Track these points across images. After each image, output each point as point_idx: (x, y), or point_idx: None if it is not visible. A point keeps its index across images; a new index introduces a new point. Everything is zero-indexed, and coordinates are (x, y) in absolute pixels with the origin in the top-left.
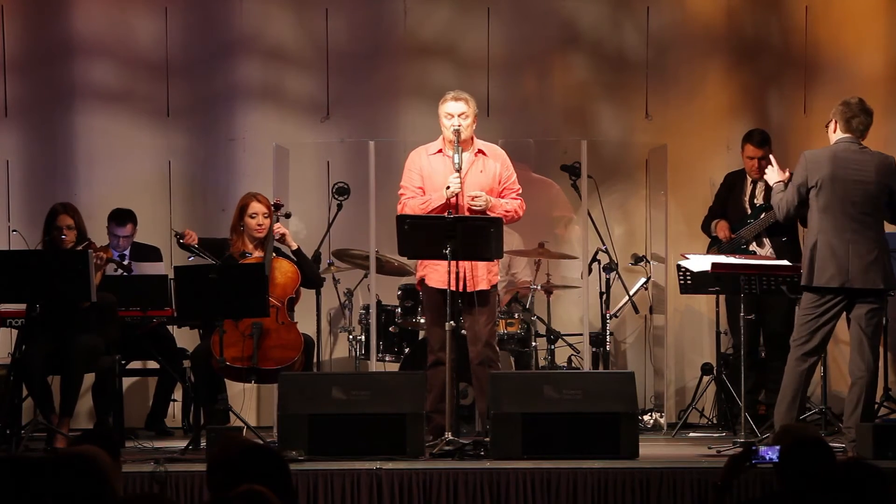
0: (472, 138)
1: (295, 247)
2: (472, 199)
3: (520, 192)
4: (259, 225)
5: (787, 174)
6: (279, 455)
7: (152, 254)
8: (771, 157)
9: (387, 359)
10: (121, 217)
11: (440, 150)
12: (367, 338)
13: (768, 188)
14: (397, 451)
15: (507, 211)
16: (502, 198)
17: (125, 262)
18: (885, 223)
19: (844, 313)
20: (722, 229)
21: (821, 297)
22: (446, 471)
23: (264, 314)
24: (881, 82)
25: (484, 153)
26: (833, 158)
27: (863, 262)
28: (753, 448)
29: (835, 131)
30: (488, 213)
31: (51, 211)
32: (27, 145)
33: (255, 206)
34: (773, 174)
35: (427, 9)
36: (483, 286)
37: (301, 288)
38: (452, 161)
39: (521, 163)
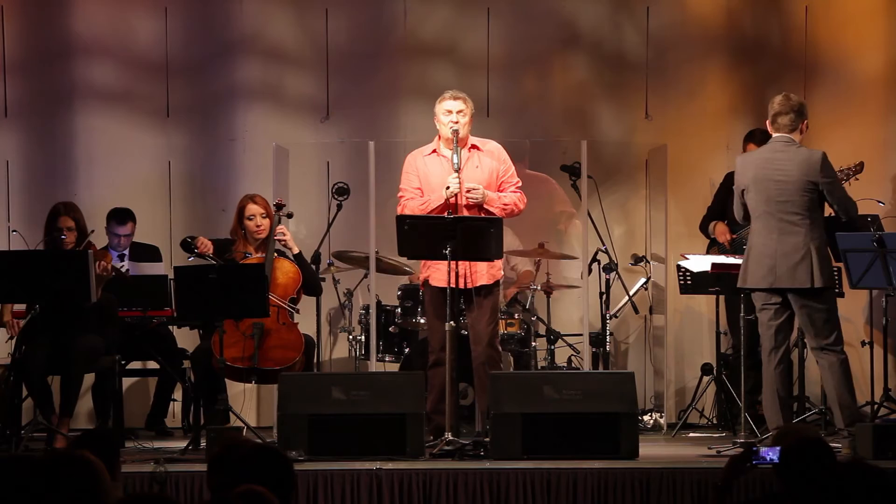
0: (467, 137)
1: (296, 251)
2: (469, 192)
3: (519, 184)
4: (258, 226)
5: None
6: (283, 455)
7: (151, 253)
8: None
9: (387, 359)
10: (121, 216)
11: (434, 151)
12: (367, 338)
13: None
14: (397, 451)
15: (505, 205)
16: (501, 192)
17: (123, 269)
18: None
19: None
20: (721, 233)
21: (765, 296)
22: (446, 471)
23: (264, 314)
24: (881, 82)
25: (478, 149)
26: (757, 161)
27: (790, 262)
28: (754, 449)
29: (771, 132)
30: (486, 206)
31: (52, 211)
32: (27, 145)
33: (252, 208)
34: None
35: (427, 9)
36: (484, 281)
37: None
38: (451, 161)
39: (517, 161)
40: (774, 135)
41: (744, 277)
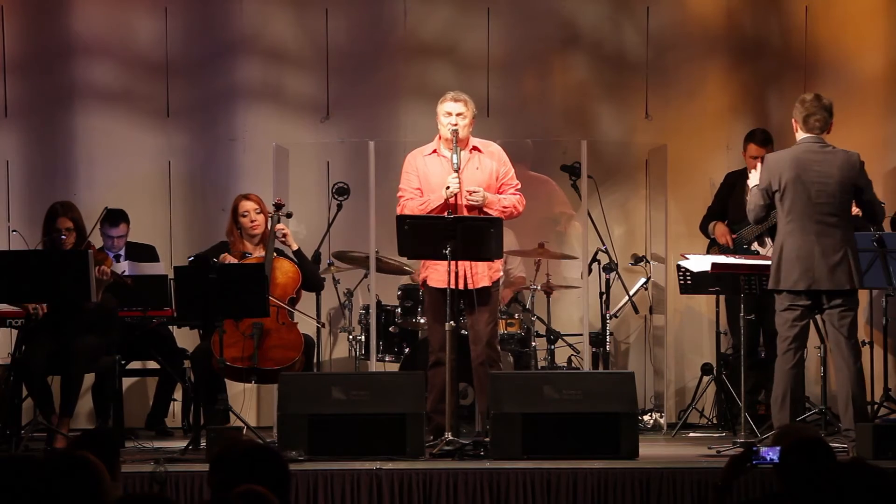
0: (468, 138)
1: (296, 247)
2: (470, 194)
3: (518, 187)
4: (252, 222)
5: None
6: (277, 454)
7: (148, 253)
8: (758, 162)
9: (387, 359)
10: (113, 217)
11: (435, 151)
12: (367, 338)
13: None
14: (397, 451)
15: (505, 207)
16: (501, 194)
17: (122, 272)
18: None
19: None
20: (721, 234)
21: (791, 297)
22: (446, 471)
23: (264, 314)
24: (881, 82)
25: (479, 150)
26: (795, 161)
27: (828, 263)
28: (754, 449)
29: (797, 131)
30: (486, 208)
31: (50, 211)
32: (27, 145)
33: (245, 205)
34: (754, 177)
35: (427, 9)
36: (484, 283)
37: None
38: (451, 161)
39: (519, 163)
40: (805, 135)
41: (776, 279)
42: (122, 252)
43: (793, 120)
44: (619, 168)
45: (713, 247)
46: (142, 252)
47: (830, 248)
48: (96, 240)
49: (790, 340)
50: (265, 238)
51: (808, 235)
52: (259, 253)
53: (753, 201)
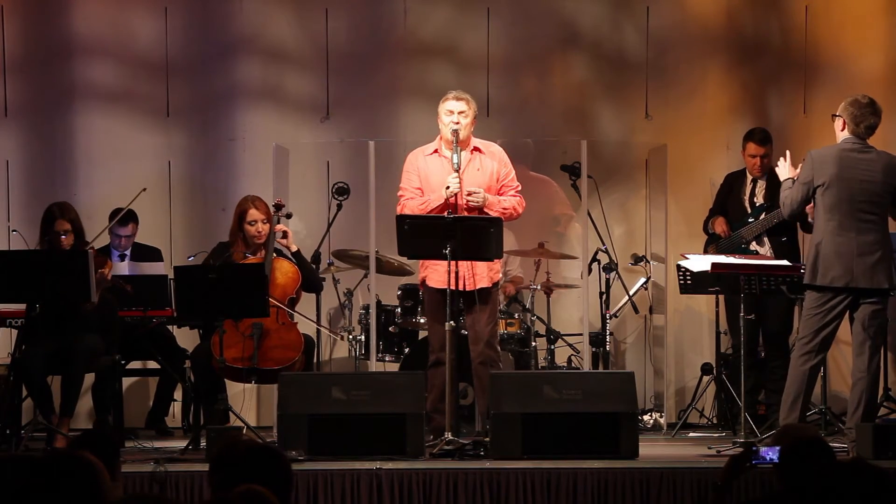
0: (469, 138)
1: (295, 249)
2: (470, 195)
3: (519, 189)
4: (258, 232)
5: (798, 171)
6: (280, 454)
7: (152, 255)
8: (787, 152)
9: (387, 359)
10: (122, 217)
11: (436, 151)
12: (367, 338)
13: (769, 187)
14: (397, 451)
15: (504, 208)
16: (501, 195)
17: (123, 277)
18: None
19: (848, 312)
20: (720, 224)
21: (826, 296)
22: (446, 471)
23: (264, 314)
24: (881, 82)
25: (480, 151)
26: (840, 158)
27: (868, 262)
28: (754, 448)
29: (842, 129)
30: (486, 209)
31: (47, 213)
32: (27, 145)
33: (254, 214)
34: (783, 169)
35: (427, 9)
36: (484, 283)
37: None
38: (451, 161)
39: (519, 163)
40: (848, 135)
41: (812, 274)
42: (128, 252)
43: (837, 117)
44: (619, 168)
45: (710, 244)
46: (147, 254)
47: (868, 246)
48: (104, 238)
49: (816, 343)
50: (265, 241)
51: (847, 232)
52: (259, 253)
53: (793, 196)
